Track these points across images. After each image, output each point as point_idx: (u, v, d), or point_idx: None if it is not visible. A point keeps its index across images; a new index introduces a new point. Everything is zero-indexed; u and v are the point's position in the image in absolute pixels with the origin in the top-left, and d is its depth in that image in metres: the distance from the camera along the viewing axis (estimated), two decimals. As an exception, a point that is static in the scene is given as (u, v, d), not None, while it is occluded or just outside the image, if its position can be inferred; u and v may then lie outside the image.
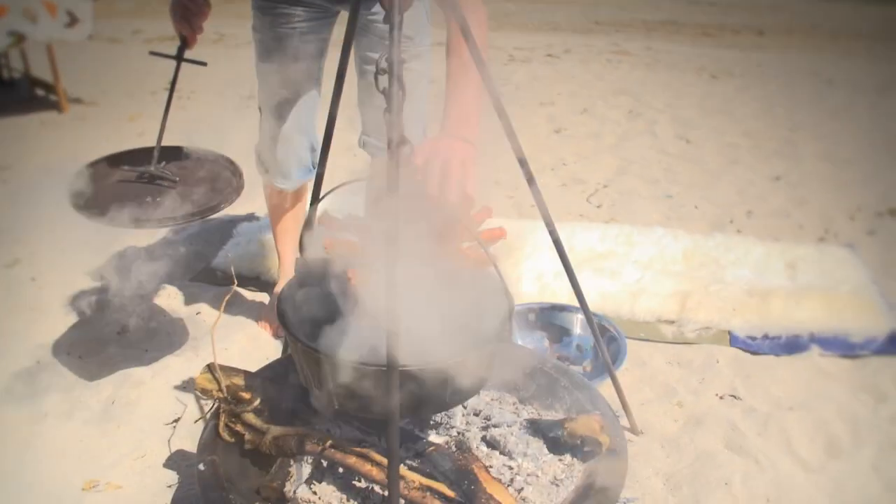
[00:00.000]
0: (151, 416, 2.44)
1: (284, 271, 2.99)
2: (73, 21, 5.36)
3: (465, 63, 1.76)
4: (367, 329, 1.67)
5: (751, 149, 5.09)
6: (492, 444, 1.94)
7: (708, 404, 2.52)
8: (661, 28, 9.50)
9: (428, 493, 1.71)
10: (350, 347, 1.65)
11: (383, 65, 1.48)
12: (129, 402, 2.47)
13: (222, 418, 1.91)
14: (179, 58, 2.45)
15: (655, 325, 2.96)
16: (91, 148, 4.57)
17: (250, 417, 1.90)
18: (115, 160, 2.50)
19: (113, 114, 5.71)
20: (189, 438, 2.32)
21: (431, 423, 1.97)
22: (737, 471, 2.19)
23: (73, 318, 3.00)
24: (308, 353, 1.69)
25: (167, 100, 2.47)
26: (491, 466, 1.85)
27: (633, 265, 3.28)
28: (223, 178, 2.49)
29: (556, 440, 1.92)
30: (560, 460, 1.90)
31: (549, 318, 2.79)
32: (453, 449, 1.84)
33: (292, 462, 1.88)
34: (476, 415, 2.05)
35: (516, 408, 2.10)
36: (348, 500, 1.81)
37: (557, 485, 1.83)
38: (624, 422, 2.32)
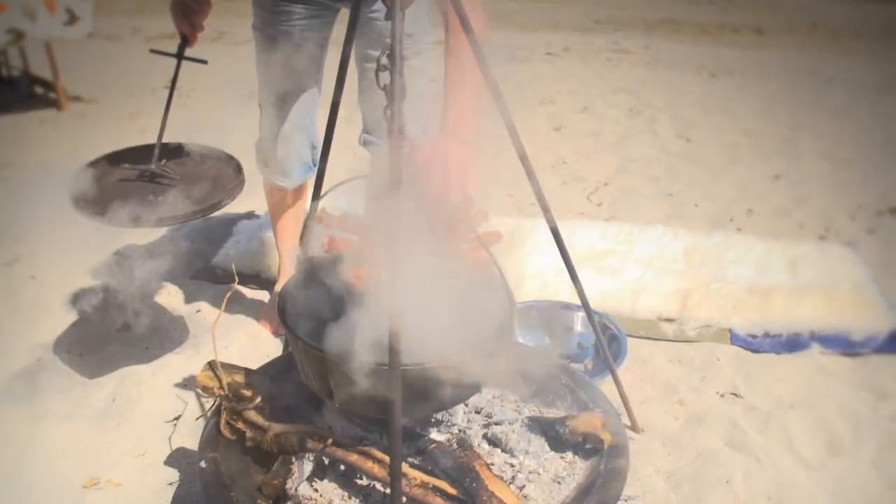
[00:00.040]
0: (152, 413, 2.43)
1: (285, 269, 2.99)
2: (72, 19, 5.35)
3: (463, 64, 1.77)
4: (368, 327, 1.67)
5: (751, 147, 5.08)
6: (493, 442, 1.94)
7: (709, 402, 2.52)
8: (661, 27, 9.49)
9: (430, 491, 1.71)
10: (351, 345, 1.65)
11: (384, 61, 1.48)
12: (129, 400, 2.47)
13: (223, 416, 1.91)
14: (180, 56, 2.45)
15: (656, 324, 2.96)
16: (91, 146, 4.57)
17: (252, 415, 1.90)
18: (116, 158, 2.50)
19: (113, 112, 5.71)
20: (190, 436, 2.31)
21: (433, 420, 1.97)
22: (738, 469, 2.19)
23: (73, 317, 3.00)
24: (309, 350, 1.68)
25: (168, 98, 2.47)
26: (492, 464, 1.85)
27: (634, 263, 3.28)
28: (224, 174, 2.49)
29: (558, 438, 1.92)
30: (562, 458, 1.90)
31: (550, 316, 2.78)
32: (455, 446, 1.84)
33: (294, 459, 1.87)
34: (478, 412, 2.05)
35: (518, 405, 2.10)
36: (350, 498, 1.81)
37: (559, 482, 1.83)
38: (625, 420, 2.32)
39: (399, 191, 1.47)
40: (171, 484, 2.16)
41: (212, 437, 1.91)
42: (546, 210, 2.04)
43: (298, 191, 2.85)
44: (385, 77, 1.48)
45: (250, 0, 2.54)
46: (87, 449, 2.28)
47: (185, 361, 2.66)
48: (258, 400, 1.92)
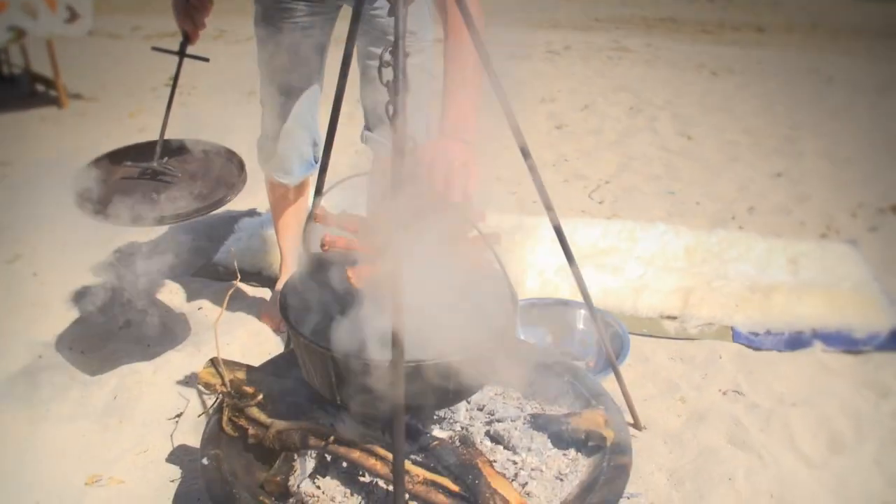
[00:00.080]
0: (154, 411, 2.43)
1: (286, 266, 2.99)
2: (73, 16, 5.35)
3: (462, 63, 1.77)
4: (370, 324, 1.67)
5: (752, 146, 5.09)
6: (496, 439, 1.94)
7: (711, 400, 2.51)
8: (661, 25, 9.49)
9: (432, 488, 1.71)
10: (353, 342, 1.65)
11: (387, 57, 1.48)
12: (131, 398, 2.47)
13: (226, 412, 1.91)
14: (182, 53, 2.44)
15: (658, 321, 2.96)
16: (91, 144, 4.58)
17: (254, 412, 1.90)
18: (117, 157, 2.48)
19: (113, 110, 5.71)
20: (192, 433, 2.31)
21: (435, 417, 1.97)
22: (740, 466, 2.19)
23: (74, 314, 3.00)
24: (311, 347, 1.68)
25: (170, 95, 2.45)
26: (495, 461, 1.85)
27: (636, 261, 3.28)
28: (227, 170, 2.48)
29: (561, 435, 1.92)
30: (564, 455, 1.90)
31: (552, 314, 2.78)
32: (457, 443, 1.84)
33: (296, 456, 1.87)
34: (480, 409, 2.05)
35: (520, 403, 2.10)
36: (352, 495, 1.81)
37: (562, 479, 1.83)
38: (627, 417, 2.31)
39: (402, 187, 1.47)
40: (173, 481, 2.15)
41: (214, 434, 1.91)
42: (549, 208, 2.04)
43: (300, 188, 2.85)
44: (388, 73, 1.48)
45: (252, -3, 2.55)
46: (89, 446, 2.28)
47: (186, 359, 2.66)
48: (260, 397, 1.92)
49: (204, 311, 3.03)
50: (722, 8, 10.54)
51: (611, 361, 2.27)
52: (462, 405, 2.01)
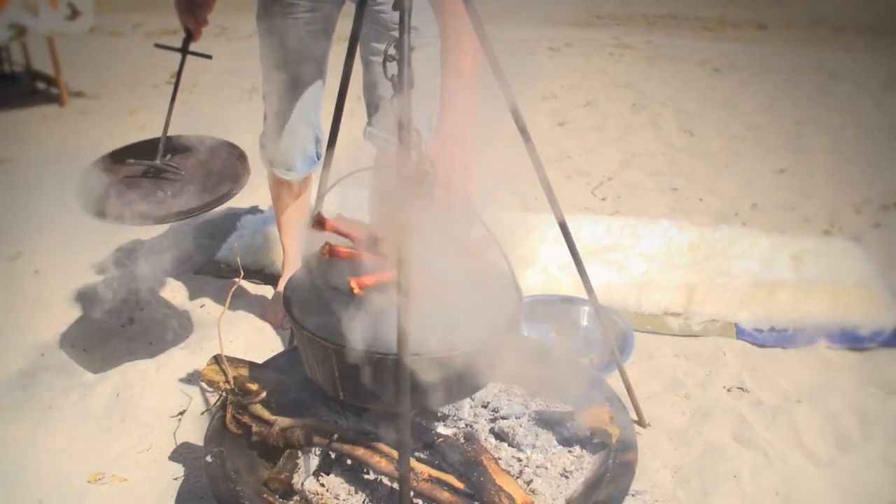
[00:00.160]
0: (156, 408, 2.43)
1: (289, 263, 2.98)
2: (74, 14, 5.34)
3: (459, 66, 1.78)
4: (373, 319, 1.66)
5: (755, 142, 5.07)
6: (500, 436, 1.93)
7: (715, 397, 2.50)
8: (662, 22, 9.48)
9: (437, 485, 1.71)
10: (356, 336, 1.64)
11: (392, 51, 1.47)
12: (133, 395, 2.46)
13: (229, 410, 1.90)
14: (184, 50, 2.43)
15: (662, 318, 2.95)
16: (93, 141, 4.58)
17: (258, 409, 1.89)
18: (120, 156, 2.47)
19: (114, 107, 5.71)
20: (194, 431, 2.31)
21: (439, 414, 1.96)
22: (745, 464, 2.18)
23: (76, 311, 2.99)
24: (315, 342, 1.68)
25: (172, 93, 2.44)
26: (500, 458, 1.85)
27: (639, 258, 3.27)
28: (230, 164, 2.46)
29: (566, 432, 1.91)
30: (569, 452, 1.89)
31: (556, 311, 2.77)
32: (462, 441, 1.83)
33: (300, 454, 1.86)
34: (484, 406, 2.04)
35: (525, 399, 2.09)
36: (356, 492, 1.80)
37: (567, 477, 1.82)
38: (631, 414, 2.30)
39: (407, 181, 1.46)
40: (176, 479, 2.14)
41: (217, 432, 1.90)
42: (554, 203, 2.03)
43: (302, 184, 2.84)
44: (392, 68, 1.48)
45: (254, -7, 2.54)
46: (91, 444, 2.27)
47: (189, 356, 2.65)
48: (264, 394, 1.91)
49: (206, 309, 3.02)
50: (723, 5, 10.52)
51: (615, 358, 2.26)
52: (466, 402, 2.01)
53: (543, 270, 3.11)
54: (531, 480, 1.80)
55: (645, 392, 2.49)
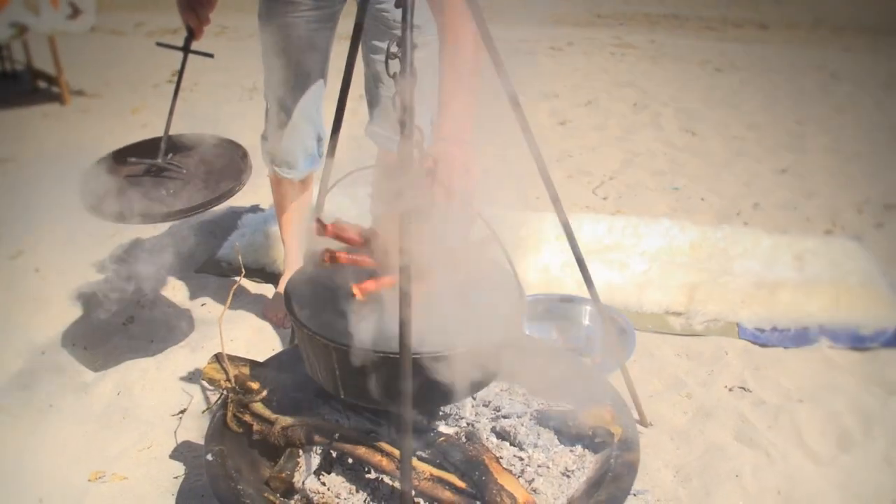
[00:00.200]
0: (157, 407, 2.42)
1: (290, 261, 2.97)
2: (75, 12, 5.34)
3: (457, 67, 1.77)
4: (375, 318, 1.66)
5: (756, 141, 5.07)
6: (502, 435, 1.92)
7: (717, 396, 2.50)
8: (664, 21, 9.47)
9: (438, 484, 1.70)
10: (358, 335, 1.64)
11: (394, 49, 1.47)
12: (134, 394, 2.46)
13: (230, 408, 1.90)
14: (186, 49, 2.42)
15: (663, 317, 2.94)
16: (94, 140, 4.57)
17: (258, 407, 1.89)
18: (122, 155, 2.46)
19: (116, 106, 5.70)
20: (195, 430, 2.30)
21: (441, 413, 1.95)
22: (747, 463, 2.18)
23: (77, 310, 2.99)
24: (315, 340, 1.67)
25: (174, 91, 2.43)
26: (501, 457, 1.84)
27: (641, 257, 3.26)
28: (231, 161, 2.46)
29: (567, 431, 1.90)
30: (571, 451, 1.89)
31: (557, 310, 2.77)
32: (464, 440, 1.83)
33: (301, 453, 1.86)
34: (486, 405, 2.03)
35: (526, 398, 2.09)
36: (357, 491, 1.80)
37: (569, 476, 1.82)
38: (633, 413, 2.30)
39: (409, 177, 1.46)
40: (176, 477, 2.14)
41: (218, 430, 1.90)
42: (556, 201, 2.03)
43: (304, 183, 2.84)
44: (394, 65, 1.47)
45: (255, -8, 2.53)
46: (92, 443, 2.27)
47: (190, 355, 2.65)
48: (265, 393, 1.91)
49: (207, 307, 3.02)
50: (725, 5, 10.50)
51: (617, 357, 2.26)
52: (468, 401, 2.00)
53: (545, 269, 3.10)
54: (533, 479, 1.80)
55: (646, 391, 2.49)
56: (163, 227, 3.58)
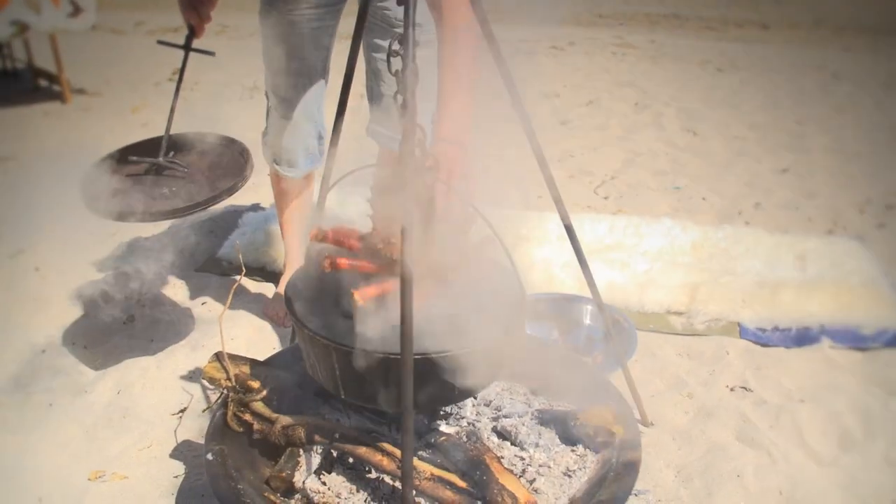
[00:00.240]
0: (157, 406, 2.42)
1: (290, 260, 2.97)
2: (76, 11, 5.34)
3: (455, 68, 1.77)
4: (376, 317, 1.66)
5: (758, 141, 5.06)
6: (503, 435, 1.92)
7: (719, 396, 2.50)
8: (665, 21, 9.47)
9: (439, 484, 1.70)
10: (358, 336, 1.63)
11: (396, 47, 1.46)
12: (134, 393, 2.45)
13: (231, 407, 1.89)
14: (187, 47, 2.42)
15: (665, 317, 2.94)
16: (95, 139, 4.57)
17: (259, 406, 1.89)
18: (123, 155, 2.45)
19: (116, 105, 5.70)
20: (195, 429, 2.30)
21: (442, 413, 1.95)
22: (749, 463, 2.17)
23: (77, 309, 2.98)
24: (316, 340, 1.67)
25: (175, 90, 2.42)
26: (502, 457, 1.84)
27: (642, 256, 3.26)
28: (232, 159, 2.45)
29: (569, 431, 1.90)
30: (573, 451, 1.88)
31: (559, 309, 2.77)
32: (464, 439, 1.83)
33: (301, 452, 1.86)
34: (487, 405, 2.03)
35: (527, 398, 2.08)
36: (358, 491, 1.79)
37: (570, 476, 1.81)
38: (634, 413, 2.29)
39: (411, 176, 1.45)
40: (176, 477, 2.14)
41: (218, 429, 1.89)
42: (558, 201, 2.03)
43: (305, 181, 2.83)
44: (396, 63, 1.47)
45: (255, -9, 2.53)
46: (92, 441, 2.26)
47: (190, 353, 2.64)
48: (265, 392, 1.90)
49: (208, 306, 3.01)
50: (725, 5, 10.51)
51: (618, 357, 2.25)
52: (469, 400, 2.00)
53: (546, 269, 3.10)
54: (534, 479, 1.79)
55: (648, 391, 2.48)
56: (163, 226, 3.58)
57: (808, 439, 2.30)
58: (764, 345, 2.80)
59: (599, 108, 5.76)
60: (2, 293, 3.09)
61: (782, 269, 3.19)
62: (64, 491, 2.07)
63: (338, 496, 1.77)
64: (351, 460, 1.82)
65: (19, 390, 2.49)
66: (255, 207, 3.82)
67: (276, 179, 2.83)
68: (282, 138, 2.66)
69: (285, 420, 1.85)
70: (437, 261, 1.64)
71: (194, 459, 2.18)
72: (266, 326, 2.86)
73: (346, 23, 2.30)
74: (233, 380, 1.90)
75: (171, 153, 2.42)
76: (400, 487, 1.57)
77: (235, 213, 3.71)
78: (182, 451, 2.23)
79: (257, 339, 2.78)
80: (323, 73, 2.62)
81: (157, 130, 2.45)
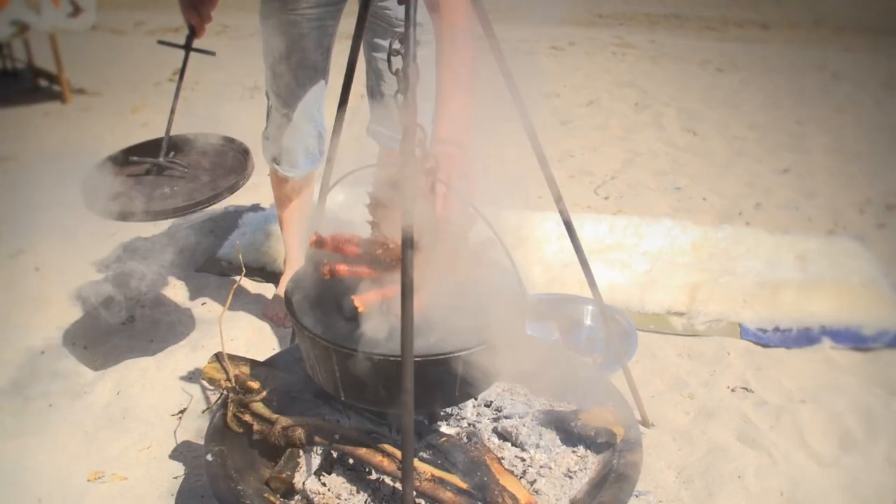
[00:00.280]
0: (157, 406, 2.41)
1: (290, 260, 2.96)
2: (76, 11, 5.34)
3: (454, 69, 1.76)
4: (377, 318, 1.65)
5: (758, 141, 5.06)
6: (503, 436, 1.92)
7: (719, 397, 2.49)
8: (665, 21, 9.47)
9: (440, 485, 1.69)
10: (359, 336, 1.63)
11: (397, 46, 1.46)
12: (134, 393, 2.45)
13: (230, 408, 1.89)
14: (188, 47, 2.42)
15: (665, 317, 2.94)
16: (95, 139, 4.56)
17: (259, 407, 1.88)
18: (124, 155, 2.45)
19: (116, 105, 5.70)
20: (195, 430, 2.29)
21: (442, 414, 1.94)
22: (749, 464, 2.17)
23: (77, 309, 2.98)
24: (315, 341, 1.66)
25: (176, 90, 2.42)
26: (503, 458, 1.83)
27: (642, 257, 3.26)
28: (232, 158, 2.45)
29: (570, 432, 1.89)
30: (573, 452, 1.88)
31: (559, 309, 2.76)
32: (465, 440, 1.82)
33: (301, 453, 1.85)
34: (487, 406, 2.03)
35: (528, 399, 2.08)
36: (358, 492, 1.79)
37: (571, 477, 1.81)
38: (635, 414, 2.29)
39: (411, 175, 1.45)
40: (176, 477, 2.13)
41: (218, 430, 1.89)
42: (558, 199, 2.02)
43: (305, 181, 2.83)
44: (397, 62, 1.46)
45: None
46: (92, 442, 2.26)
47: (190, 354, 2.64)
48: (265, 392, 1.90)
49: (207, 307, 3.01)
50: (725, 5, 10.51)
51: (620, 358, 2.25)
52: (469, 401, 1.99)
53: (546, 269, 3.10)
54: (535, 480, 1.79)
55: (648, 392, 2.48)
56: (163, 227, 3.57)
57: (809, 440, 2.29)
58: (765, 345, 2.80)
59: (599, 108, 5.76)
60: (2, 293, 3.08)
61: (783, 270, 3.19)
62: (63, 491, 2.07)
63: (338, 497, 1.77)
64: (351, 461, 1.81)
65: (18, 391, 2.48)
66: (255, 207, 3.81)
67: (277, 179, 2.82)
68: (282, 138, 2.66)
69: (285, 421, 1.84)
70: (438, 262, 1.63)
71: (194, 460, 2.18)
72: (266, 327, 2.86)
73: (347, 22, 2.30)
74: (232, 380, 1.89)
75: (172, 153, 2.42)
76: (400, 488, 1.57)
77: (235, 213, 3.71)
78: (182, 452, 2.23)
79: (257, 339, 2.77)
80: (323, 72, 2.61)
81: (157, 130, 2.44)
